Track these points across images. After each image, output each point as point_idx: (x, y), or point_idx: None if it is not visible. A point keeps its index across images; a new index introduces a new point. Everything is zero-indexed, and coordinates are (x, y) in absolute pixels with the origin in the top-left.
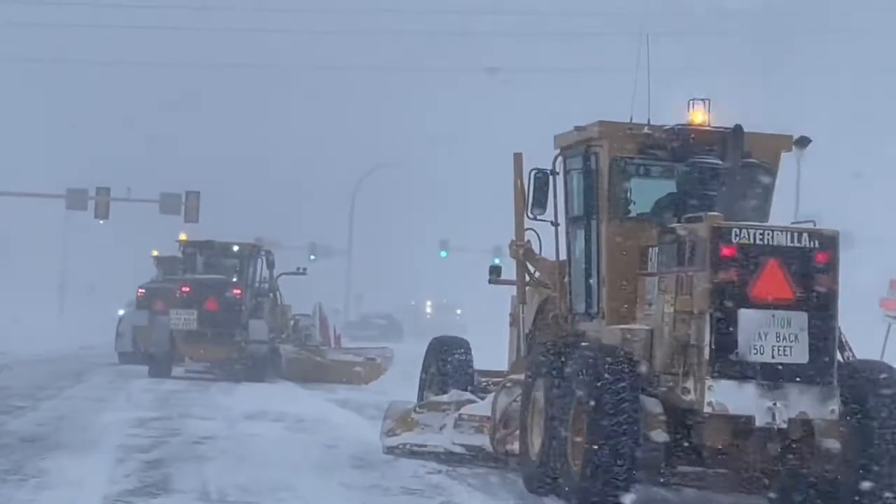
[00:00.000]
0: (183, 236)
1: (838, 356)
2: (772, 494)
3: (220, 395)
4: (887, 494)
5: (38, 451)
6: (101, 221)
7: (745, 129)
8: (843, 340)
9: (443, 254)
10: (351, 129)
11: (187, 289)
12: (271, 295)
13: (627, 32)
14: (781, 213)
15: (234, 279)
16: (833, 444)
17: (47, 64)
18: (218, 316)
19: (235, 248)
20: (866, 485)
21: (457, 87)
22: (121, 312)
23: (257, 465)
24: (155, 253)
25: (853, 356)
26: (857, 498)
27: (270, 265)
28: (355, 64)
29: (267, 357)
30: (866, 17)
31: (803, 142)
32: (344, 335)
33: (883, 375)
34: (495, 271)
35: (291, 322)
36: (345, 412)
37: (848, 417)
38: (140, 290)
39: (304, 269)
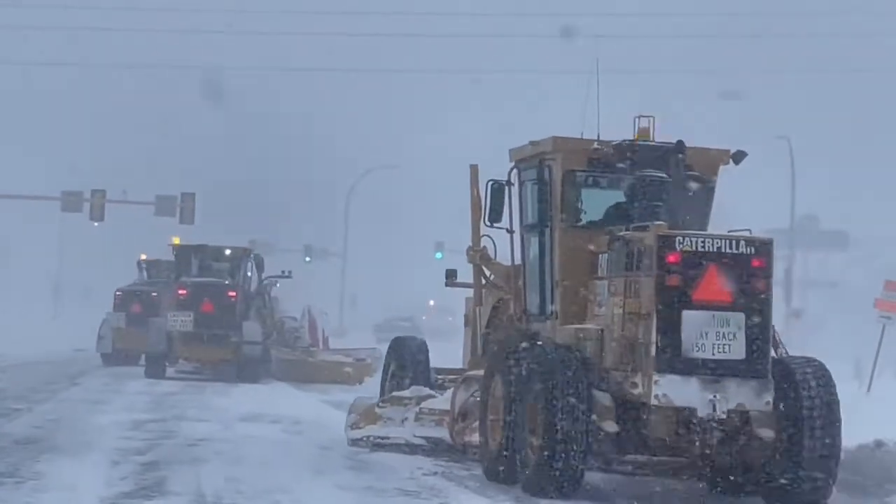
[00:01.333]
0: (176, 240)
1: (772, 352)
2: (716, 480)
3: (216, 397)
4: (818, 476)
5: (33, 454)
6: (96, 224)
7: (689, 144)
8: (777, 338)
9: (438, 255)
10: (346, 131)
11: (184, 291)
12: (263, 297)
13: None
14: (780, 213)
15: (228, 282)
16: (768, 433)
17: (43, 67)
18: (214, 318)
19: (228, 251)
20: (798, 470)
21: (454, 89)
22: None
23: (253, 467)
24: (143, 256)
25: (786, 352)
26: (790, 482)
27: (259, 268)
28: (351, 66)
29: (260, 358)
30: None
31: (739, 156)
32: (372, 338)
33: (812, 370)
34: (451, 275)
35: (279, 324)
36: (340, 414)
37: (781, 408)
38: (117, 293)
39: (290, 272)
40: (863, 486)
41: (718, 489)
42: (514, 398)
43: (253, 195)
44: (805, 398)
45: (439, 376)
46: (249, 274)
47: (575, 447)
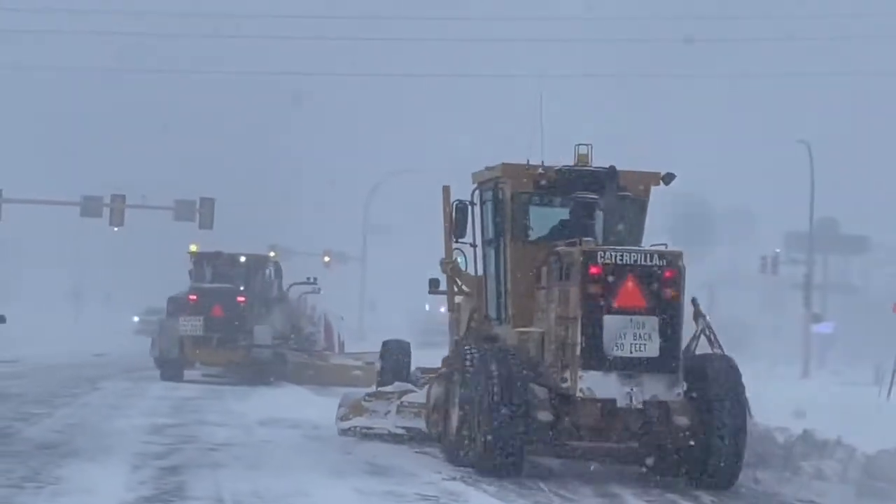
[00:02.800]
0: (193, 247)
1: (709, 349)
2: (648, 462)
3: (235, 402)
4: (727, 457)
5: (54, 458)
6: (116, 229)
7: (627, 168)
8: (713, 338)
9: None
10: (367, 134)
11: (194, 297)
12: (283, 302)
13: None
14: (799, 216)
15: (241, 288)
16: (683, 421)
17: (63, 72)
18: (223, 322)
19: (242, 258)
20: (710, 452)
21: (472, 92)
22: (135, 319)
23: (272, 472)
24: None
25: (721, 350)
26: (703, 463)
27: (278, 275)
28: (373, 70)
29: (270, 361)
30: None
31: (669, 178)
32: (419, 342)
33: (721, 364)
34: (434, 284)
35: (298, 329)
36: None
37: (695, 398)
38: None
39: (315, 279)
40: (886, 492)
41: (646, 470)
42: (467, 393)
43: (272, 200)
44: (715, 389)
45: (423, 375)
46: (270, 280)
47: (515, 435)
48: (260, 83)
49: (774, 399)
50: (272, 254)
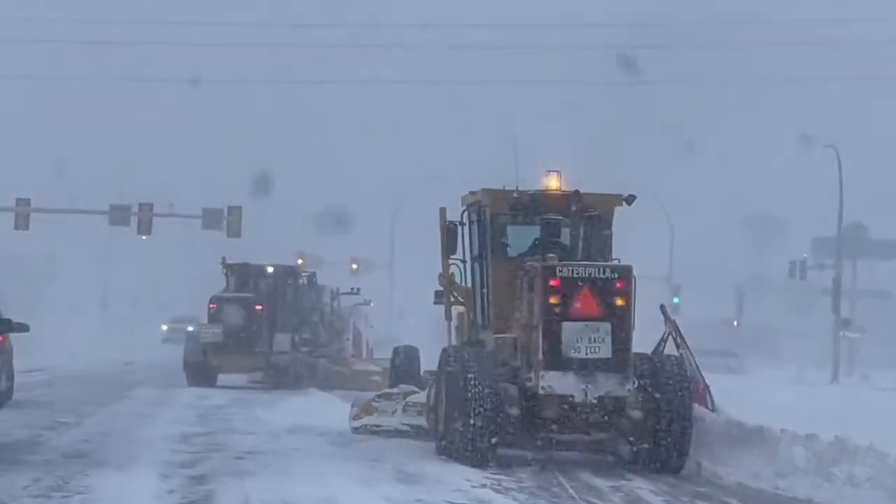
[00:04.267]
0: (225, 259)
1: (677, 350)
2: (605, 451)
3: (263, 410)
4: (674, 446)
5: (82, 468)
6: (144, 237)
7: (588, 191)
8: (680, 340)
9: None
10: (394, 142)
11: (214, 306)
12: (318, 311)
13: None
14: (827, 221)
15: (264, 297)
16: (636, 414)
17: (89, 82)
18: (241, 330)
19: (270, 269)
20: (660, 441)
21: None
22: (164, 328)
23: (300, 480)
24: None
25: (689, 350)
26: (654, 451)
27: (312, 285)
28: (400, 78)
29: (290, 367)
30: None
31: (630, 199)
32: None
33: (670, 364)
34: (438, 295)
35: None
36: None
37: (648, 392)
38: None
39: (358, 289)
40: None
41: (610, 457)
42: (449, 392)
43: (300, 207)
44: (664, 385)
45: (430, 377)
46: (304, 290)
47: (489, 428)
48: (284, 91)
49: (804, 405)
50: (300, 261)
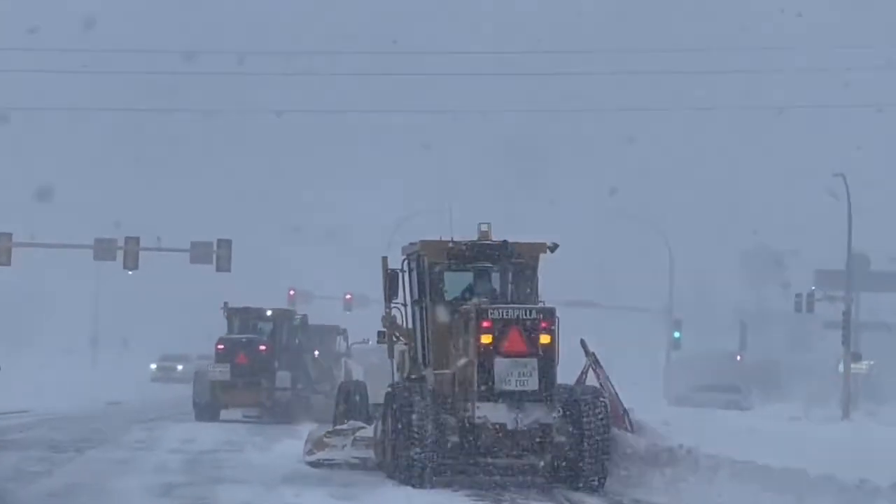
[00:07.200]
0: (227, 304)
1: (597, 384)
2: (535, 473)
3: (256, 454)
4: (594, 467)
5: None
6: (130, 272)
7: (514, 240)
8: (599, 372)
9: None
10: (385, 175)
11: (222, 346)
12: (311, 352)
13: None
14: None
15: (266, 339)
16: (561, 439)
17: (78, 112)
18: (247, 368)
19: (269, 312)
20: (581, 463)
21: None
22: (153, 367)
23: None
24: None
25: (609, 381)
26: (576, 472)
27: (304, 326)
28: (394, 107)
29: (291, 402)
30: None
31: (554, 247)
32: None
33: (590, 396)
34: (381, 335)
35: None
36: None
37: (570, 419)
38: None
39: (369, 339)
40: None
41: (540, 478)
42: (394, 423)
43: (291, 242)
44: (585, 414)
45: (378, 411)
46: (296, 332)
47: (430, 455)
48: (274, 123)
49: (818, 442)
50: (291, 292)
